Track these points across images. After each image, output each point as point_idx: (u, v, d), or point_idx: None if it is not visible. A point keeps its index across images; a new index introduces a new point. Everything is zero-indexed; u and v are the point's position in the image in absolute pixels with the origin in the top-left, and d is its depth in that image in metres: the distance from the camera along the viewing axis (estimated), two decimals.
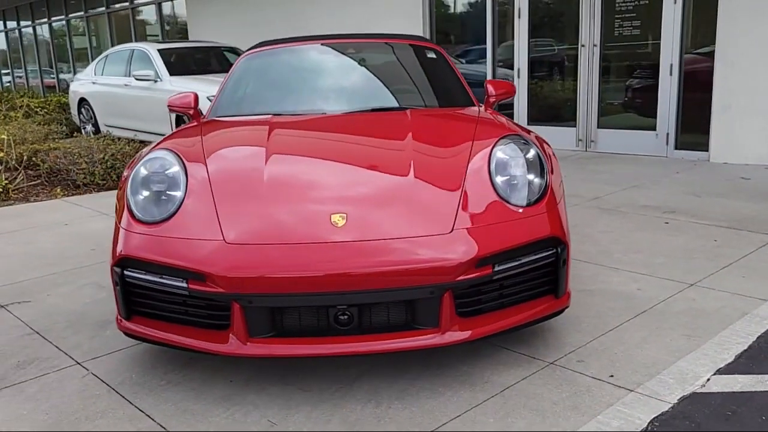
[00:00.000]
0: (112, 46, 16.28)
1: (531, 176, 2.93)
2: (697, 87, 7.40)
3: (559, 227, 2.85)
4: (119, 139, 8.69)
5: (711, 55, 7.16)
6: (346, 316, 2.56)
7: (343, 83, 4.22)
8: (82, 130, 11.30)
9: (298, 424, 2.48)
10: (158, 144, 3.34)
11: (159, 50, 9.83)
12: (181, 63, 9.88)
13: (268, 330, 2.60)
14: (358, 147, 3.26)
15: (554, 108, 8.73)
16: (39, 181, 7.57)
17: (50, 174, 7.72)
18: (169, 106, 4.30)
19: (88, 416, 2.59)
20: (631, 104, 8.08)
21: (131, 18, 16.86)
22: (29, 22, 21.79)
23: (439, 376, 2.78)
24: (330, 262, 2.52)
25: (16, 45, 23.24)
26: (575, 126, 8.34)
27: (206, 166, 2.96)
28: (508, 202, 2.81)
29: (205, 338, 2.65)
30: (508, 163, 2.96)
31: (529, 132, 3.42)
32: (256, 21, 12.32)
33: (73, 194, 7.01)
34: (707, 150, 7.28)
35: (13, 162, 7.93)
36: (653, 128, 7.68)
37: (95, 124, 11.05)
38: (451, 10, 10.11)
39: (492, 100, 4.19)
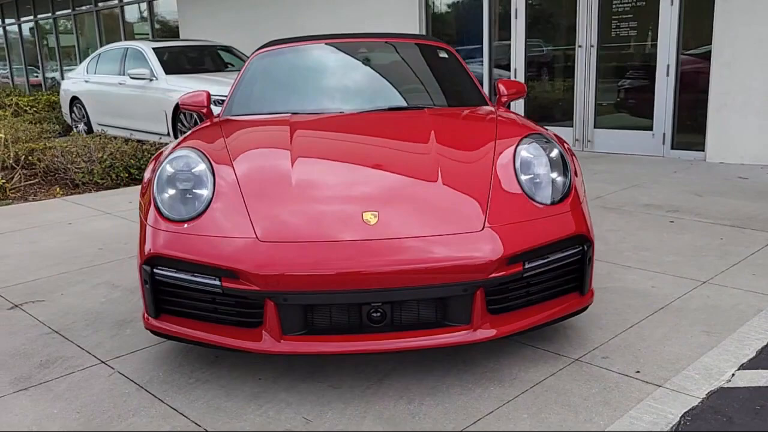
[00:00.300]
0: (101, 44, 16.19)
1: (554, 175, 2.96)
2: (693, 87, 7.50)
3: (584, 225, 2.89)
4: (115, 138, 8.63)
5: (707, 55, 7.26)
6: (379, 313, 2.58)
7: (359, 82, 4.22)
8: (74, 129, 11.18)
9: (332, 420, 2.49)
10: (180, 143, 3.33)
11: (154, 48, 9.77)
12: (176, 62, 9.83)
13: (300, 327, 2.60)
14: (383, 149, 3.24)
15: (551, 108, 8.80)
16: (36, 180, 7.49)
17: (46, 173, 7.65)
18: (180, 104, 4.30)
19: (120, 414, 2.58)
20: (627, 104, 8.16)
21: (120, 16, 16.72)
22: (14, 20, 21.53)
23: (467, 373, 2.80)
24: (366, 258, 2.52)
25: (0, 42, 22.95)
26: (572, 126, 8.41)
27: (233, 167, 2.95)
28: (534, 201, 2.84)
29: (237, 336, 2.65)
30: (532, 162, 2.99)
31: (547, 131, 3.46)
32: (249, 20, 12.26)
33: (71, 193, 6.96)
34: (703, 150, 7.38)
35: (11, 161, 7.85)
36: (650, 128, 7.76)
37: (87, 123, 10.94)
38: (447, 10, 10.14)
39: (504, 99, 4.21)
